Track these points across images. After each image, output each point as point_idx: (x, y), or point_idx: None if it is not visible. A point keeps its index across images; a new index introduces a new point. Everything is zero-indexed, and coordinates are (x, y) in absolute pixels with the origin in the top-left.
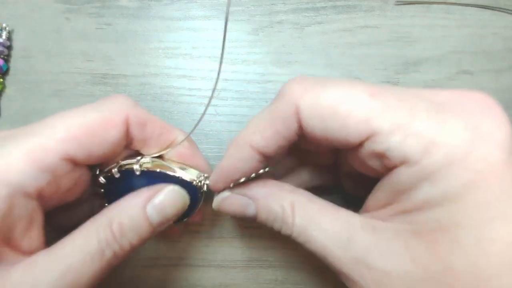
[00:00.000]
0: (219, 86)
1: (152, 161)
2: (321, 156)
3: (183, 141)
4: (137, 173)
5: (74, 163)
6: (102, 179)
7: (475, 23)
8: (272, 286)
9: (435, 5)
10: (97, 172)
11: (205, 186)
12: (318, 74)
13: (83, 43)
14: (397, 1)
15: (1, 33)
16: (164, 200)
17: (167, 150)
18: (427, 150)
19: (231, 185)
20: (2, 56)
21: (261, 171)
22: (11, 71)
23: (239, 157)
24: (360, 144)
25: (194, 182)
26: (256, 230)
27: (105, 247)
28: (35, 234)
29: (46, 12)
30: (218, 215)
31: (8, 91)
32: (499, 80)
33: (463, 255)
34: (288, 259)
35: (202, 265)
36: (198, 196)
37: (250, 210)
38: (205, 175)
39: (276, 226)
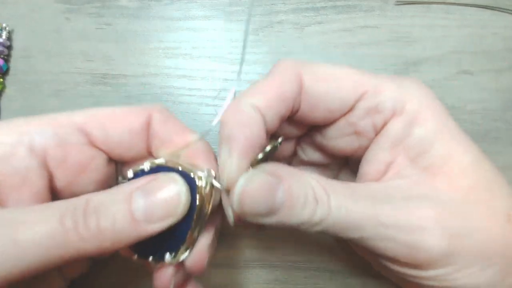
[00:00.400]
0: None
1: (166, 162)
2: (285, 145)
3: (197, 140)
4: (146, 170)
5: (90, 140)
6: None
7: (475, 23)
8: (272, 286)
9: (435, 5)
10: (118, 181)
11: (209, 184)
12: None
13: (83, 43)
14: (397, 1)
15: (1, 33)
16: (153, 185)
17: (182, 149)
18: (406, 100)
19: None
20: (2, 56)
21: (278, 141)
22: (11, 71)
23: (245, 119)
24: (351, 108)
25: (197, 178)
26: (255, 230)
27: (66, 213)
28: (26, 197)
29: (46, 12)
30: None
31: (8, 91)
32: (499, 80)
33: (470, 174)
34: (288, 259)
35: None
36: (200, 196)
37: (279, 194)
38: (212, 172)
39: (308, 211)
